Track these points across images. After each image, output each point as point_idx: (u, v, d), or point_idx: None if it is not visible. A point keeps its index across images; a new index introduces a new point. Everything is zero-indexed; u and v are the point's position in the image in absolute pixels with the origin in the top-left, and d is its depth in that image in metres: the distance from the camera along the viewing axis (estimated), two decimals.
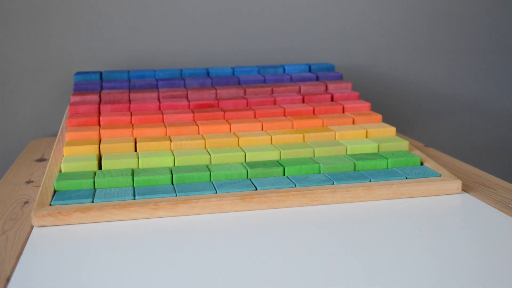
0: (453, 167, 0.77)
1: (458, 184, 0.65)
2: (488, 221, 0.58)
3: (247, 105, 0.85)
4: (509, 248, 0.52)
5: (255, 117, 0.81)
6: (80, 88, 0.89)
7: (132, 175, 0.64)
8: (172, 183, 0.64)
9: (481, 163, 1.22)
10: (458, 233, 0.55)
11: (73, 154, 0.70)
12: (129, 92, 0.86)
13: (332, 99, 0.88)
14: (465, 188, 0.67)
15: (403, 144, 0.74)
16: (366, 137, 0.77)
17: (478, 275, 0.47)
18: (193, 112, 0.81)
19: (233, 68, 0.97)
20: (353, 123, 0.81)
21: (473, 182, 0.70)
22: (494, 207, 0.61)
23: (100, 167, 0.68)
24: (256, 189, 0.63)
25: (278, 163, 0.68)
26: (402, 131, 1.15)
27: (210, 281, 0.46)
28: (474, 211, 0.61)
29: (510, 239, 0.54)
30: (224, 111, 0.81)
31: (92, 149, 0.70)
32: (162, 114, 0.80)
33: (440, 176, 0.67)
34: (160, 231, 0.56)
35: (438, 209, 0.61)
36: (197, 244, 0.53)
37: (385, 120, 1.10)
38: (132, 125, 0.77)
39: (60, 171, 0.67)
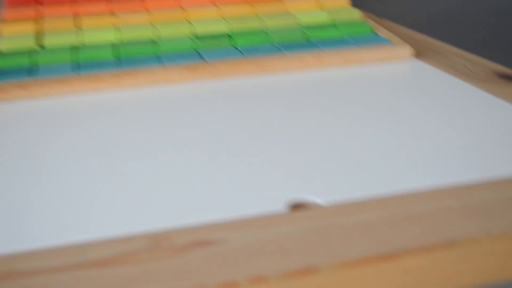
0: (407, 36, 0.76)
1: (409, 49, 0.65)
2: (440, 85, 0.58)
3: None
4: (461, 109, 0.52)
5: None
6: None
7: (75, 50, 0.62)
8: (117, 57, 0.62)
9: (438, 35, 1.21)
10: (411, 97, 0.55)
11: (12, 32, 0.66)
12: None
13: None
14: (418, 56, 0.67)
15: (356, 13, 0.72)
16: (319, 8, 0.75)
17: (433, 137, 0.47)
18: None
19: None
20: None
21: (426, 49, 0.69)
22: (446, 71, 0.61)
23: (41, 45, 0.65)
24: (205, 60, 0.61)
25: (227, 35, 0.66)
26: (359, 6, 1.13)
27: (157, 154, 0.45)
28: (426, 75, 0.60)
29: (460, 101, 0.54)
30: None
31: (32, 27, 0.67)
32: None
33: (391, 43, 0.66)
34: (105, 105, 0.54)
35: (390, 75, 0.61)
36: (144, 117, 0.52)
37: None
38: (74, 1, 0.73)
39: None
